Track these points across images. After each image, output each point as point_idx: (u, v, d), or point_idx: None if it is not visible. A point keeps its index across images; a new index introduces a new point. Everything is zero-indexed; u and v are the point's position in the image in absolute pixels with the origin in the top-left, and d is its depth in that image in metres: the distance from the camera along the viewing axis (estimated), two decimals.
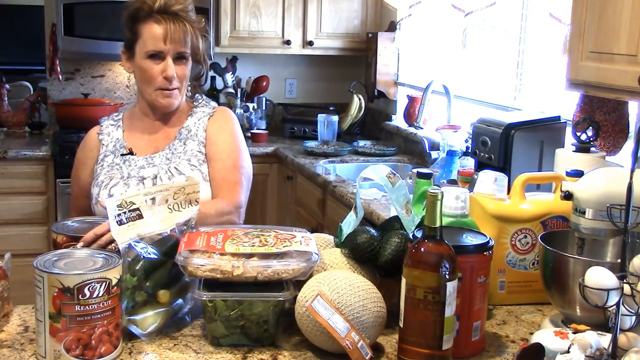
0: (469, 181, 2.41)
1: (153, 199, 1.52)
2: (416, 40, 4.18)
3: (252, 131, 4.31)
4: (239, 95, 4.45)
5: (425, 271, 1.29)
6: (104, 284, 1.30)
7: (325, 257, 1.56)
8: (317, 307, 1.35)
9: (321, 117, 4.14)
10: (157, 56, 1.95)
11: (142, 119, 2.08)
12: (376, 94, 4.34)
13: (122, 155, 2.03)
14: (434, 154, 3.45)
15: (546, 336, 1.35)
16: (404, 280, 1.32)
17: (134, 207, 1.48)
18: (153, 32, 1.93)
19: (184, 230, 1.55)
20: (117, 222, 1.45)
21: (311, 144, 4.06)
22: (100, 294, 1.29)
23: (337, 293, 1.37)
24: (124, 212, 1.46)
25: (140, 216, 1.48)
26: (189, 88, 2.08)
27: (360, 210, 1.59)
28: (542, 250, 1.55)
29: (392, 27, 4.26)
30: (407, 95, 4.05)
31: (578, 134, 2.08)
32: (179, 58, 1.96)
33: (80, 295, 1.28)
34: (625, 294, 1.24)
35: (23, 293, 1.73)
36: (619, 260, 1.31)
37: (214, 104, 2.14)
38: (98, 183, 1.99)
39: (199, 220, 1.62)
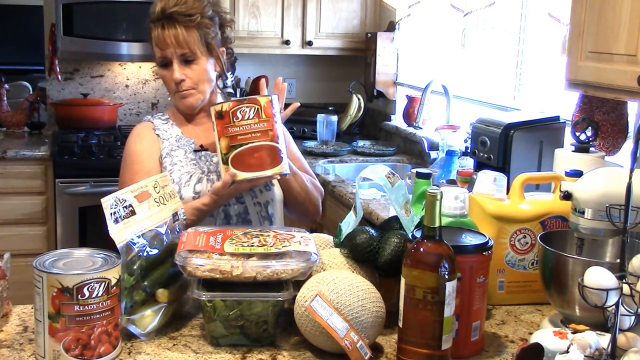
0: (468, 181, 2.42)
1: (139, 195, 1.53)
2: (415, 40, 4.18)
3: None
4: (238, 95, 4.45)
5: (425, 271, 1.29)
6: (103, 284, 1.30)
7: (325, 257, 1.56)
8: (316, 307, 1.35)
9: (320, 117, 4.14)
10: (165, 63, 1.95)
11: (187, 116, 2.05)
12: (375, 94, 4.34)
13: (194, 151, 1.99)
14: (433, 154, 3.45)
15: (545, 336, 1.35)
16: (403, 280, 1.32)
17: (126, 203, 1.48)
18: (155, 39, 1.94)
19: (176, 223, 1.56)
20: (113, 220, 1.44)
21: (310, 144, 4.05)
22: (100, 294, 1.29)
23: (336, 293, 1.37)
24: (118, 210, 1.46)
25: (133, 212, 1.48)
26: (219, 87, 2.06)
27: (359, 210, 1.59)
28: (541, 250, 1.55)
29: (391, 27, 4.26)
30: (407, 95, 4.05)
31: (577, 134, 2.08)
32: (185, 61, 1.94)
33: (79, 295, 1.28)
34: (625, 294, 1.24)
35: (22, 293, 1.73)
36: (618, 260, 1.31)
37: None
38: (174, 179, 1.92)
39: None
